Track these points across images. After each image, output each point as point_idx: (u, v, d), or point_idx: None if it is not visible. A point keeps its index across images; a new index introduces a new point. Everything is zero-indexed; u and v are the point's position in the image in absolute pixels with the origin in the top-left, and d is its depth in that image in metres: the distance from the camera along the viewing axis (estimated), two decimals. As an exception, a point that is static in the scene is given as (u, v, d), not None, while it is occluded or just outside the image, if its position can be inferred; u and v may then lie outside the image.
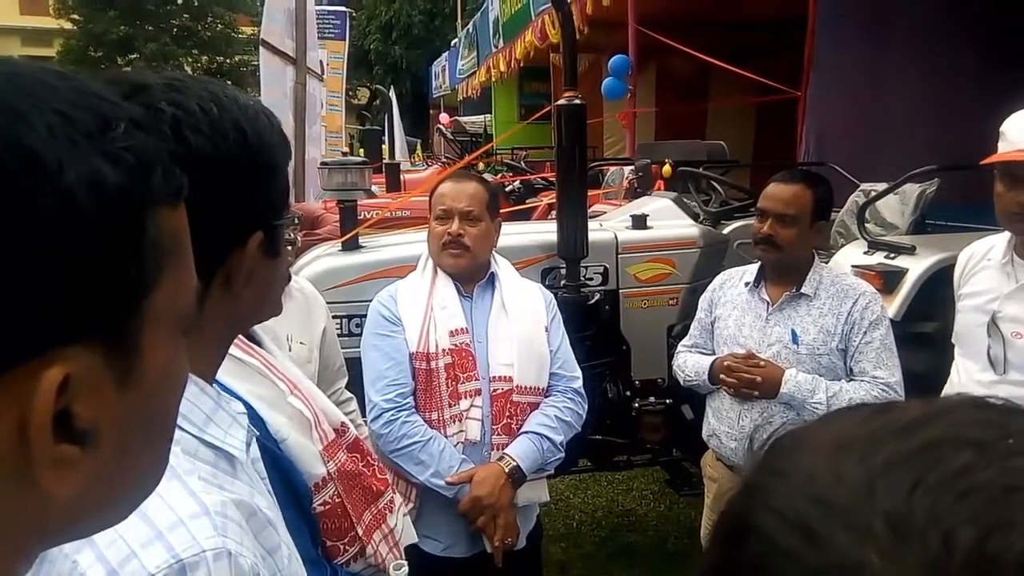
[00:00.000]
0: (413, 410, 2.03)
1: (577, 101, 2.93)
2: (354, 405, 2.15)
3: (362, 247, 2.99)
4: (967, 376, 2.08)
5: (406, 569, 1.16)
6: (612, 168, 6.59)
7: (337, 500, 1.21)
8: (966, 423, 0.37)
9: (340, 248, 2.96)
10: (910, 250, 2.94)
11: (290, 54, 5.72)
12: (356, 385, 2.14)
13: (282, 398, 1.17)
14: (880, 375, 2.16)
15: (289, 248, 0.90)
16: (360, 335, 2.22)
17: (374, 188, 5.67)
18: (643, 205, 3.76)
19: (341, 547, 1.23)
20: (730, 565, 0.38)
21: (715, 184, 4.08)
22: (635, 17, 6.86)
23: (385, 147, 8.83)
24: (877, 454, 0.36)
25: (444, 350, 2.04)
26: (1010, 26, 4.64)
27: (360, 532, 1.24)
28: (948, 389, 2.16)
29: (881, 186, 3.40)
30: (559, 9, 3.19)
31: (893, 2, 5.01)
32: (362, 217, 3.26)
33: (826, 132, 5.13)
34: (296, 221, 0.95)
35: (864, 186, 3.67)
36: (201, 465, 0.74)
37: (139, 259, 0.42)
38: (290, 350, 1.86)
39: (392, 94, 9.40)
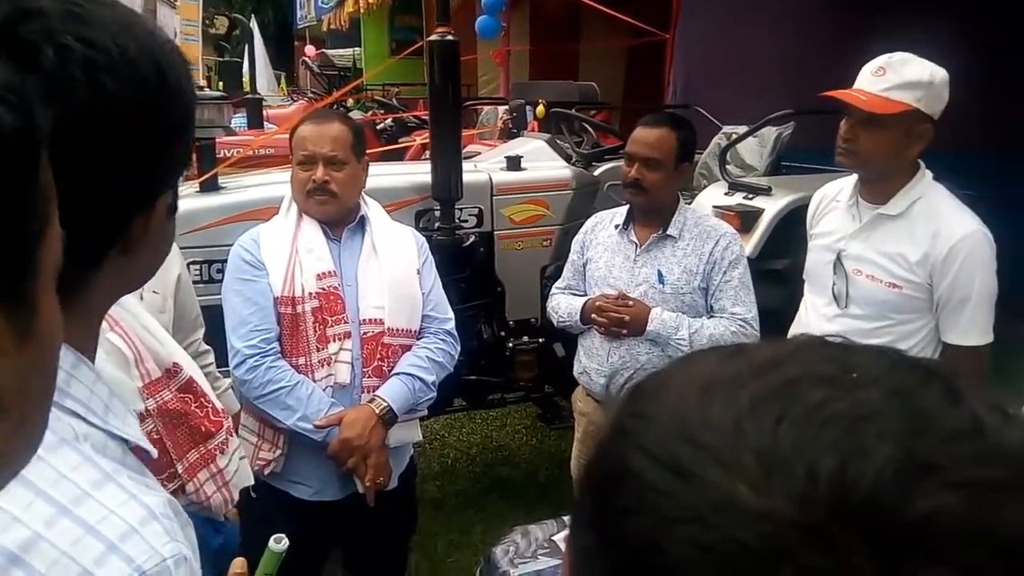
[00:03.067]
0: (278, 355, 1.97)
1: (450, 37, 2.85)
2: (211, 358, 2.06)
3: (222, 188, 2.83)
4: (814, 311, 2.22)
5: (286, 543, 1.12)
6: (486, 108, 6.53)
7: (155, 436, 1.25)
8: (815, 361, 0.39)
9: (197, 190, 2.79)
10: (766, 191, 3.09)
11: (136, -25, 5.24)
12: (218, 332, 2.04)
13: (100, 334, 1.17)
14: (738, 311, 2.28)
15: None
16: (221, 281, 2.11)
17: (234, 123, 5.37)
18: (517, 146, 3.75)
19: (159, 481, 1.25)
20: (605, 508, 0.39)
21: (587, 126, 4.12)
22: (508, -49, 6.73)
23: (246, 80, 8.33)
24: (741, 394, 0.38)
25: (311, 293, 1.98)
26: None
27: (181, 470, 1.29)
28: (796, 323, 2.31)
29: (742, 129, 3.54)
30: (428, -61, 3.07)
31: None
32: (221, 156, 3.08)
33: (692, 75, 5.27)
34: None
35: (726, 129, 3.82)
36: (110, 462, 0.65)
37: (33, 209, 0.38)
38: (141, 299, 1.75)
39: (253, 23, 8.84)
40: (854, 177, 2.15)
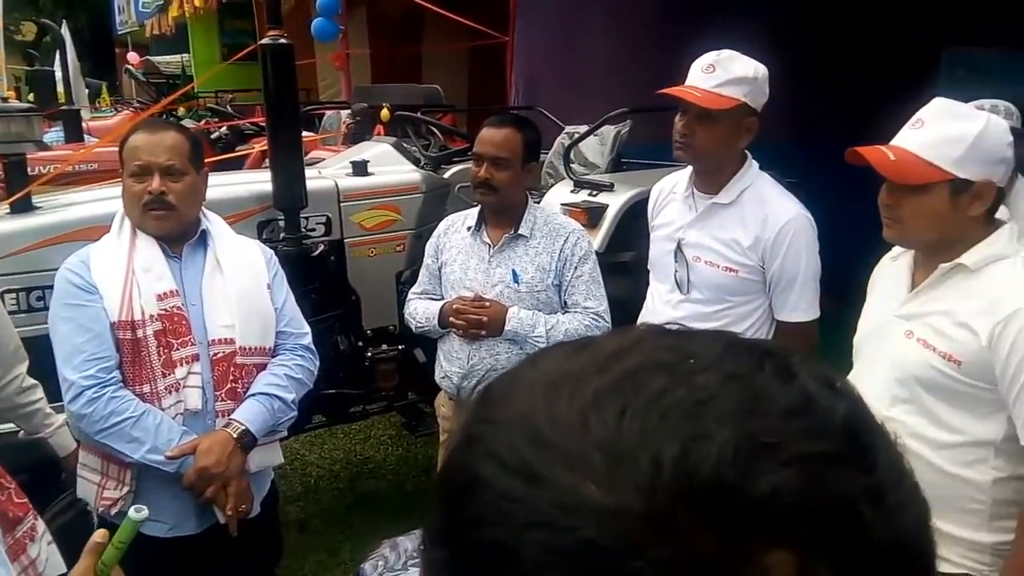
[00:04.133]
0: (120, 384, 1.83)
1: (283, 40, 2.76)
2: (40, 393, 1.89)
3: (37, 208, 2.59)
4: (659, 298, 2.33)
5: (146, 512, 1.06)
6: (328, 112, 6.39)
7: None
8: (655, 350, 0.40)
9: (8, 211, 2.54)
10: (609, 187, 3.21)
11: (-80, -25, 4.70)
12: (45, 365, 1.87)
13: None
14: (590, 305, 2.35)
15: None
16: (44, 310, 1.94)
17: (49, 137, 4.95)
18: (363, 151, 3.69)
19: None
20: (457, 520, 0.38)
21: (434, 129, 4.12)
22: (341, -47, 6.61)
23: (61, 90, 7.69)
24: (585, 389, 0.37)
25: (152, 316, 1.85)
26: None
27: None
28: (644, 311, 2.41)
29: (583, 128, 3.66)
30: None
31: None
32: (35, 173, 2.82)
33: (533, 77, 5.39)
34: None
35: (568, 129, 3.93)
36: None
37: None
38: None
39: (65, 29, 8.13)
40: (688, 170, 2.27)
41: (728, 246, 2.15)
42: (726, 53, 2.09)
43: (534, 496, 0.35)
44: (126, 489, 1.87)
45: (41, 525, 1.25)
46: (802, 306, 2.16)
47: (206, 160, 2.12)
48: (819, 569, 0.33)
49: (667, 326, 0.43)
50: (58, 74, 7.87)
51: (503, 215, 2.39)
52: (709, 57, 2.09)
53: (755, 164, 2.21)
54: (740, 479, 0.33)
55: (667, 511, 0.33)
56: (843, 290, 2.41)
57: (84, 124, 6.94)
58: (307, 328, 2.12)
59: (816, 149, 4.00)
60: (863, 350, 1.77)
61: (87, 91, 9.71)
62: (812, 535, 0.33)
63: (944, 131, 1.53)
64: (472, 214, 2.46)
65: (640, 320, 2.41)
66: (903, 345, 1.62)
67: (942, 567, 1.54)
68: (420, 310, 2.46)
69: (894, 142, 1.60)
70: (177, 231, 1.94)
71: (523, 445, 0.36)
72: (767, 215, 2.11)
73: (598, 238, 3.03)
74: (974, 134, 1.50)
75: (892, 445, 0.38)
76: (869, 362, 1.73)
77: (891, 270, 1.77)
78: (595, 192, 3.23)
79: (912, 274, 1.69)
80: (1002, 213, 1.71)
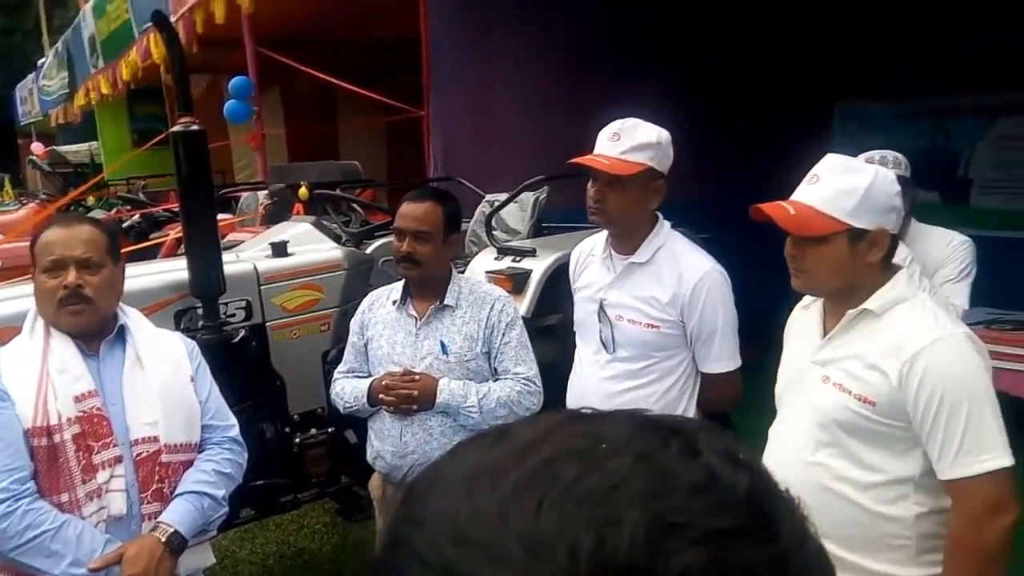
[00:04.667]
0: (36, 496, 1.74)
1: (195, 127, 2.74)
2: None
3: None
4: (587, 360, 2.36)
5: None
6: (245, 194, 6.32)
7: None
8: (568, 437, 0.41)
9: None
10: (532, 252, 3.27)
11: None
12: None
13: None
14: (520, 371, 2.36)
15: None
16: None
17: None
18: (282, 231, 3.65)
19: None
20: None
21: (354, 204, 4.12)
22: (252, 36, 6.65)
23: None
24: (505, 480, 0.38)
25: (70, 419, 1.78)
26: (589, 52, 5.41)
27: None
28: (574, 373, 2.43)
29: (503, 196, 3.73)
30: (162, 30, 2.96)
31: (494, 27, 5.51)
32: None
33: (451, 148, 5.47)
34: None
35: (489, 197, 4.01)
36: None
37: None
38: None
39: (-37, 122, 7.90)
40: (605, 232, 2.35)
41: (647, 303, 2.21)
42: (630, 121, 2.18)
43: None
44: (45, 609, 1.76)
45: None
46: (724, 357, 2.22)
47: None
48: None
49: (581, 410, 0.45)
50: (-44, 169, 7.60)
51: (428, 287, 2.40)
52: (614, 126, 2.18)
53: (667, 224, 2.29)
54: (651, 562, 0.34)
55: None
56: (761, 336, 2.50)
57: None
58: (234, 420, 2.06)
59: (725, 204, 4.18)
60: (784, 399, 1.84)
61: (-12, 184, 9.39)
62: None
63: (838, 185, 1.62)
64: (397, 288, 2.47)
65: (571, 382, 2.44)
66: (820, 390, 1.68)
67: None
68: (348, 389, 2.43)
69: (794, 197, 1.69)
70: (94, 327, 1.88)
71: (446, 545, 0.37)
72: (681, 272, 2.19)
73: (524, 303, 3.06)
74: (864, 187, 1.60)
75: (796, 511, 0.40)
76: (791, 409, 1.79)
77: (803, 318, 1.85)
78: (518, 258, 3.27)
79: (823, 321, 1.77)
80: (902, 254, 1.81)
